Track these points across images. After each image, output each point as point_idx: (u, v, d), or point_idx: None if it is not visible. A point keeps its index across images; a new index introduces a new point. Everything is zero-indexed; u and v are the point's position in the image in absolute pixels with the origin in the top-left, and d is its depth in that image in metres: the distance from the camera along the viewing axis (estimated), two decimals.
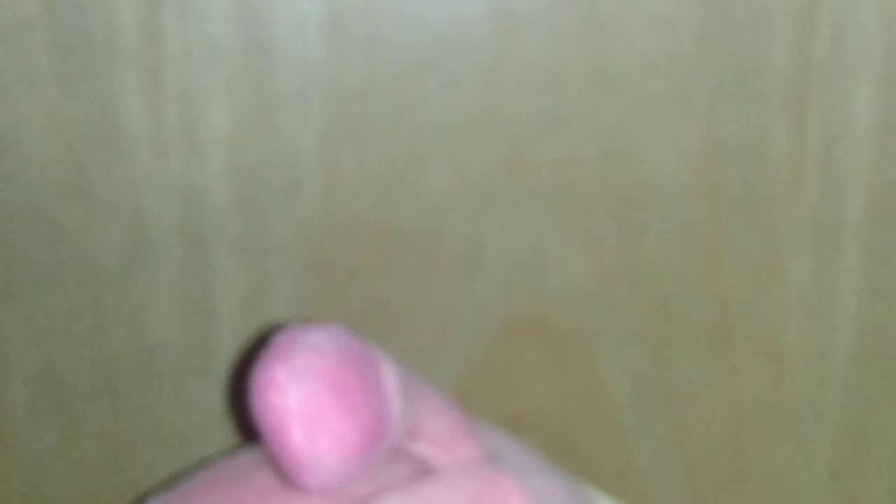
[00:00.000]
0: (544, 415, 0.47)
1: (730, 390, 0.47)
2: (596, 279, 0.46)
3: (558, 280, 0.46)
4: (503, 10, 0.44)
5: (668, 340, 0.47)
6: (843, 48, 0.45)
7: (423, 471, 0.34)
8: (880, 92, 0.45)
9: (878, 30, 0.45)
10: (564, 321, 0.46)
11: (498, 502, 0.33)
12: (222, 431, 0.46)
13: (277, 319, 0.46)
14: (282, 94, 0.44)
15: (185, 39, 0.43)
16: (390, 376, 0.32)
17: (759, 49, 0.45)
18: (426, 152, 0.45)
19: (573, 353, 0.47)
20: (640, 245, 0.46)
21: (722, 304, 0.47)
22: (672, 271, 0.47)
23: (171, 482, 0.38)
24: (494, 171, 0.45)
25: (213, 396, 0.47)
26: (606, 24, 0.44)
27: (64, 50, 0.43)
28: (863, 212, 0.46)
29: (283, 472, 0.30)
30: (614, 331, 0.47)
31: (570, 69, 0.45)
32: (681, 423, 0.48)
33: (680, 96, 0.45)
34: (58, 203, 0.44)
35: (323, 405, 0.29)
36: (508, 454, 0.36)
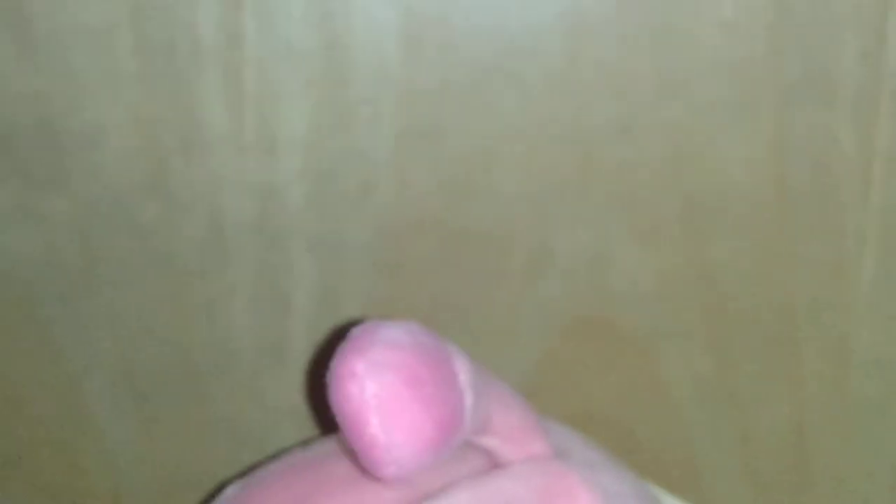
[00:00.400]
0: (608, 414, 0.47)
1: (794, 393, 0.47)
2: (661, 281, 0.46)
3: (624, 281, 0.46)
4: (574, 16, 0.44)
5: (732, 342, 0.47)
6: None
7: (493, 464, 0.34)
8: None
9: None
10: (629, 322, 0.46)
11: (565, 497, 0.33)
12: (296, 423, 0.47)
13: (349, 316, 0.46)
14: (357, 97, 0.44)
15: (265, 42, 0.43)
16: (463, 371, 0.32)
17: (827, 54, 0.45)
18: (496, 155, 0.45)
19: (637, 354, 0.47)
20: (706, 247, 0.46)
21: (787, 306, 0.47)
22: (737, 274, 0.46)
23: (247, 472, 0.38)
24: (563, 174, 0.45)
25: (287, 389, 0.47)
26: (675, 29, 0.44)
27: (147, 51, 0.44)
28: None
29: (358, 462, 0.30)
30: (679, 332, 0.46)
31: (639, 73, 0.44)
32: (744, 425, 0.48)
33: (748, 101, 0.45)
34: (139, 200, 0.45)
35: (399, 398, 0.29)
36: (576, 450, 0.36)
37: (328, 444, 0.37)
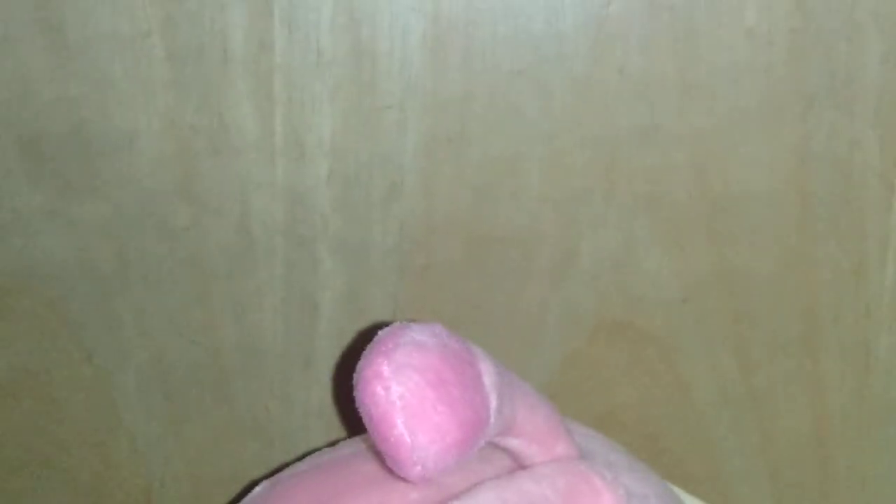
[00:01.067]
0: (631, 416, 0.47)
1: (816, 397, 0.47)
2: (685, 285, 0.46)
3: (648, 285, 0.46)
4: (598, 22, 0.44)
5: (754, 346, 0.47)
6: None
7: (518, 466, 0.34)
8: None
9: None
10: (653, 325, 0.47)
11: (589, 498, 0.33)
12: (323, 423, 0.47)
13: (375, 318, 0.46)
14: (383, 103, 0.44)
15: (293, 49, 0.44)
16: (488, 373, 0.31)
17: (850, 60, 0.44)
18: (521, 159, 0.45)
19: (661, 357, 0.47)
20: (730, 252, 0.46)
21: (809, 311, 0.47)
22: (760, 278, 0.46)
23: (275, 472, 0.38)
24: (587, 179, 0.45)
25: (315, 390, 0.47)
26: (699, 35, 0.44)
27: (179, 59, 0.44)
28: None
29: (384, 462, 0.30)
30: (702, 335, 0.46)
31: (663, 79, 0.44)
32: (766, 428, 0.48)
33: (771, 106, 0.45)
34: (170, 204, 0.45)
35: (424, 399, 0.29)
36: (599, 452, 0.36)
37: (355, 445, 0.37)
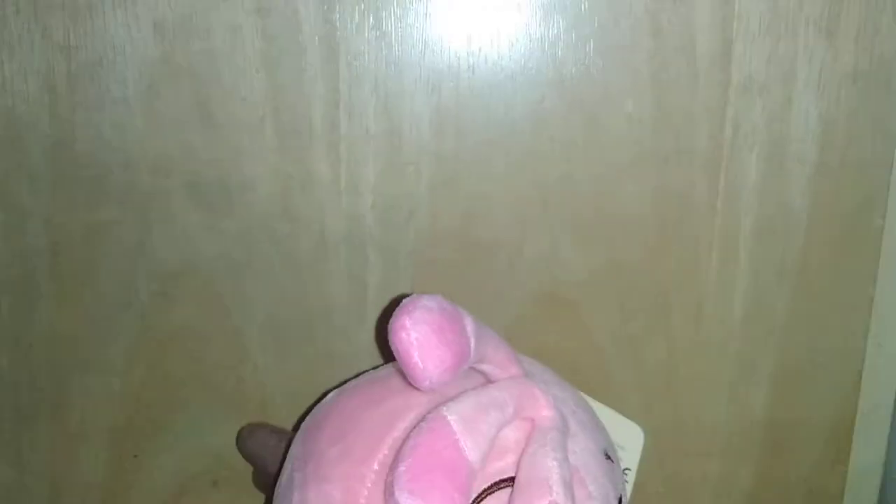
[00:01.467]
0: (554, 351, 0.45)
1: (668, 339, 0.46)
2: (588, 270, 0.45)
3: (566, 270, 0.45)
4: (536, 111, 0.43)
5: (631, 307, 0.45)
6: None
7: (488, 382, 0.34)
8: None
9: None
10: (569, 295, 0.45)
11: (531, 399, 0.33)
12: (371, 356, 0.46)
13: (402, 291, 0.45)
14: (406, 160, 0.44)
15: (352, 128, 0.43)
16: (469, 324, 0.32)
17: (691, 133, 0.43)
18: (490, 195, 0.45)
19: (573, 315, 0.45)
20: (616, 249, 0.45)
21: (664, 285, 0.45)
22: (634, 265, 0.45)
23: (342, 384, 0.38)
24: (531, 206, 0.45)
25: (367, 334, 0.46)
26: (597, 117, 0.43)
27: (283, 132, 0.43)
28: None
29: (406, 379, 0.30)
30: (598, 301, 0.46)
31: (575, 144, 0.43)
32: (637, 357, 0.46)
33: (641, 162, 0.44)
34: (276, 221, 0.45)
35: (430, 341, 0.29)
36: (537, 373, 0.36)
37: (389, 368, 0.37)
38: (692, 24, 0.42)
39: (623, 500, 0.35)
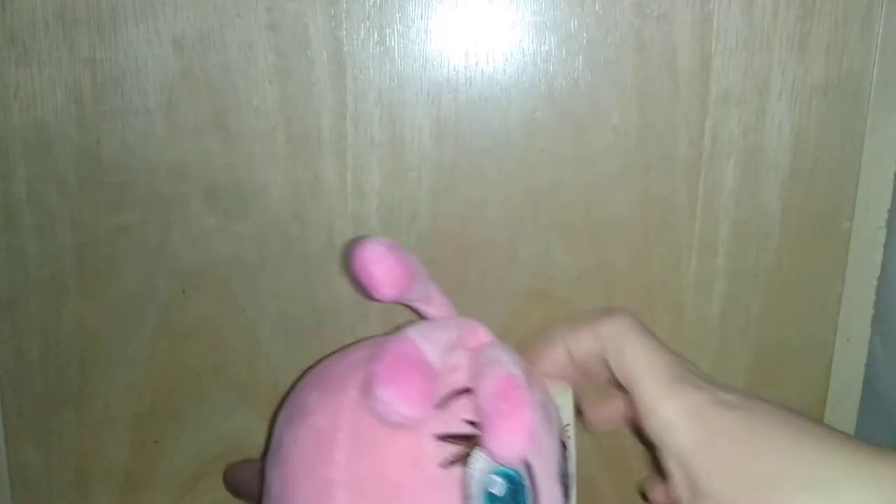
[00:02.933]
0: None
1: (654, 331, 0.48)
2: (578, 270, 0.45)
3: (557, 270, 0.45)
4: (529, 121, 0.43)
5: (618, 303, 0.45)
6: None
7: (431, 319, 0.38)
8: None
9: None
10: (559, 293, 0.46)
11: (471, 329, 0.36)
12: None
13: None
14: (408, 167, 0.44)
15: (357, 136, 0.44)
16: (416, 266, 0.35)
17: (673, 143, 0.44)
18: (487, 200, 0.45)
19: (563, 312, 0.46)
20: (603, 252, 0.45)
21: (647, 284, 0.46)
22: (620, 266, 0.45)
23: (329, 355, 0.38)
24: (524, 210, 0.45)
25: (372, 330, 0.46)
26: (585, 128, 0.43)
27: (293, 142, 0.44)
28: None
29: (377, 346, 0.32)
30: (587, 299, 0.46)
31: (565, 154, 0.44)
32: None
33: (628, 170, 0.44)
34: (287, 223, 0.45)
35: (388, 275, 0.34)
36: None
37: (368, 343, 0.38)
38: (674, 41, 0.43)
39: (568, 447, 0.37)
